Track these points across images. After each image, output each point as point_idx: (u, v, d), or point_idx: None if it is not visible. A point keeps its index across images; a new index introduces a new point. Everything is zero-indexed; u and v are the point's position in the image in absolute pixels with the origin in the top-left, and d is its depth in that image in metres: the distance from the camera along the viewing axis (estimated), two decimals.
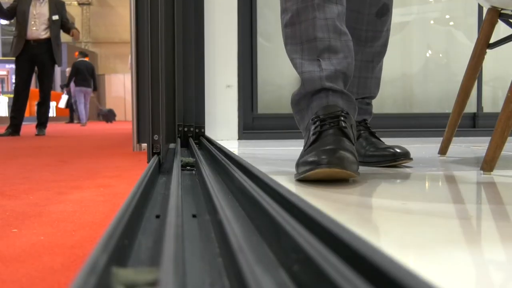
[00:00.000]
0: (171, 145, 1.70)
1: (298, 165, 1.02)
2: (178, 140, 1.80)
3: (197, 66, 2.54)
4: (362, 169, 1.33)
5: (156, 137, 1.25)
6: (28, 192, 1.29)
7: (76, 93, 9.77)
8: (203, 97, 2.65)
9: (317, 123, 1.08)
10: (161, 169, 1.19)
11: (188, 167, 1.25)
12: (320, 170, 0.93)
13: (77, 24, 18.88)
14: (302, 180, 1.00)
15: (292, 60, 1.20)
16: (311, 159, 0.95)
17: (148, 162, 1.11)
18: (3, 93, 13.53)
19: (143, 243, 0.48)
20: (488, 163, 1.20)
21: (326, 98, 1.13)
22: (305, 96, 1.18)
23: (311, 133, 1.07)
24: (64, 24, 4.88)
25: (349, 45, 1.16)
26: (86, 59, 9.59)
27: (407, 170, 1.25)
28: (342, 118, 1.06)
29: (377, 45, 1.41)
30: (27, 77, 4.74)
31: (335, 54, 1.14)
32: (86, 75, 9.42)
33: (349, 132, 1.05)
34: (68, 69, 10.37)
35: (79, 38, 5.06)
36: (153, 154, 1.25)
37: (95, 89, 9.82)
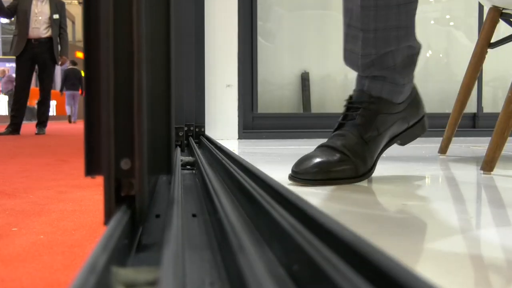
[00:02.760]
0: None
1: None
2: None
3: (197, 66, 2.53)
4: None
5: (126, 163, 0.45)
6: (27, 191, 1.29)
7: (66, 96, 11.62)
8: (203, 96, 2.65)
9: (344, 110, 1.09)
10: (140, 245, 0.48)
11: (188, 166, 1.24)
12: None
13: (77, 23, 18.82)
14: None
15: None
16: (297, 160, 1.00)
17: (105, 224, 0.44)
18: (3, 92, 13.53)
19: (143, 243, 0.48)
20: (488, 163, 1.20)
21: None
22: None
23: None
24: (61, 26, 4.86)
25: None
26: (75, 67, 11.30)
27: (407, 169, 1.25)
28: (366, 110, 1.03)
29: None
30: (27, 76, 4.74)
31: None
32: (74, 80, 11.25)
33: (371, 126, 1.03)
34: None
35: (65, 64, 5.08)
36: (120, 201, 0.46)
37: (83, 92, 10.43)
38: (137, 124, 0.44)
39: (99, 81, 0.43)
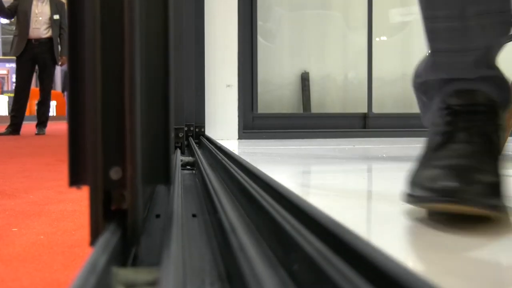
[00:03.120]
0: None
1: (413, 183, 0.68)
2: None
3: (197, 66, 2.53)
4: (358, 167, 1.33)
5: (116, 172, 0.39)
6: (28, 191, 1.29)
7: (66, 96, 11.52)
8: (203, 96, 2.65)
9: (447, 117, 0.73)
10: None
11: (188, 167, 1.24)
12: (442, 206, 0.62)
13: None
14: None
15: None
16: (430, 183, 0.62)
17: (91, 244, 0.38)
18: (3, 92, 13.54)
19: (143, 243, 0.48)
20: None
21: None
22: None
23: (438, 131, 0.74)
24: (61, 26, 4.85)
25: None
26: None
27: (407, 169, 1.25)
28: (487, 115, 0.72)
29: None
30: (27, 77, 4.75)
31: None
32: None
33: (494, 138, 0.70)
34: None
35: (65, 64, 5.04)
36: (109, 216, 0.40)
37: None
38: (129, 127, 0.38)
39: (84, 76, 0.37)
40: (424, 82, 0.83)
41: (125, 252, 0.39)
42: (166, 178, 0.43)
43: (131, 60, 0.37)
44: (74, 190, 1.22)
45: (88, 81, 0.37)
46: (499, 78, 0.79)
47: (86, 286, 0.26)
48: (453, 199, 0.58)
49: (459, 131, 0.69)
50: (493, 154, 0.67)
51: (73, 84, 0.38)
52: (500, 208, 0.61)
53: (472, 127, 0.69)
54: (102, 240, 0.35)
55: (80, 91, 0.38)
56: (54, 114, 12.69)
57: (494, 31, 0.77)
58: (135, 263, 0.41)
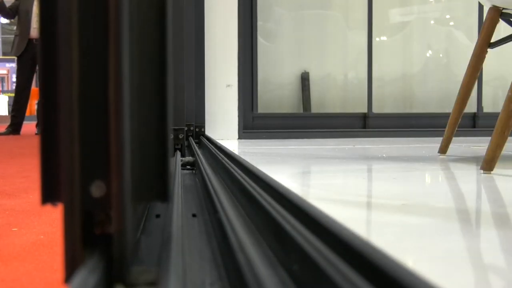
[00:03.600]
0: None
1: None
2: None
3: (197, 66, 2.53)
4: (358, 167, 1.33)
5: (98, 187, 0.29)
6: (28, 191, 1.29)
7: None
8: (203, 96, 2.65)
9: None
10: None
11: (188, 166, 1.24)
12: None
13: None
14: None
15: None
16: None
17: (65, 281, 0.29)
18: (3, 92, 13.54)
19: (143, 243, 0.48)
20: (488, 163, 1.20)
21: None
22: None
23: None
24: None
25: None
26: None
27: (407, 169, 1.25)
28: None
29: None
30: (28, 76, 4.75)
31: None
32: None
33: None
34: None
35: None
36: (90, 244, 0.30)
37: None
38: (115, 131, 0.30)
39: (58, 65, 0.30)
40: None
41: None
42: (163, 193, 0.35)
43: (117, 46, 0.29)
44: None
45: (62, 73, 0.29)
46: None
47: (86, 285, 0.26)
48: None
49: None
50: None
51: (44, 74, 0.30)
52: None
53: None
54: (79, 277, 0.26)
55: (53, 85, 0.30)
56: None
57: None
58: None
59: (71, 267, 0.29)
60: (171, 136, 0.38)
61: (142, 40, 0.34)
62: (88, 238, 0.30)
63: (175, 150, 1.39)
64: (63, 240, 0.29)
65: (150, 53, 0.35)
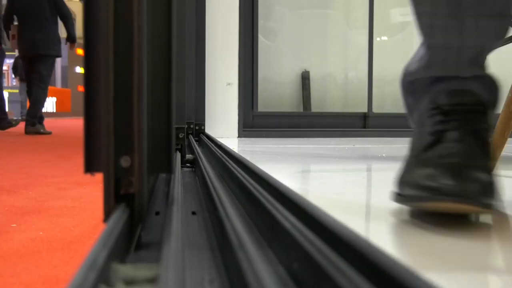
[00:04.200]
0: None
1: (403, 182, 0.69)
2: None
3: (197, 64, 2.53)
4: (358, 166, 1.33)
5: (125, 160, 0.45)
6: (27, 188, 1.29)
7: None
8: (204, 94, 2.65)
9: (438, 117, 0.73)
10: (139, 243, 0.47)
11: (188, 164, 1.24)
12: (440, 204, 0.61)
13: (78, 20, 18.82)
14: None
15: None
16: (425, 182, 0.62)
17: (104, 221, 0.43)
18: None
19: (143, 240, 0.48)
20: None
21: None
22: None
23: (428, 131, 0.73)
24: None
25: None
26: None
27: None
28: (478, 114, 0.72)
29: None
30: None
31: None
32: None
33: (485, 137, 0.71)
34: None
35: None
36: (119, 199, 0.45)
37: None
38: (137, 121, 0.43)
39: (99, 78, 0.42)
40: (414, 81, 0.84)
41: (132, 230, 0.45)
42: (168, 168, 0.50)
43: (140, 65, 0.43)
44: (73, 186, 1.23)
45: (102, 84, 0.42)
46: (490, 78, 0.80)
47: (86, 282, 0.26)
48: (451, 198, 0.58)
49: (451, 130, 0.69)
50: (486, 153, 0.68)
51: (88, 85, 0.43)
52: (495, 206, 0.62)
53: (463, 126, 0.69)
54: (113, 218, 0.40)
55: (95, 91, 0.43)
56: (54, 111, 12.65)
57: (492, 33, 0.78)
58: (139, 242, 0.46)
59: (107, 213, 0.43)
60: (174, 129, 0.52)
61: (154, 61, 0.48)
62: (117, 195, 0.44)
63: (175, 150, 1.35)
64: (103, 196, 0.43)
65: (160, 71, 0.49)
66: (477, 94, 0.74)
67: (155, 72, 0.48)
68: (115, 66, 0.42)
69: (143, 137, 0.44)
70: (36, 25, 4.29)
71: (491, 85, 0.79)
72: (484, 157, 0.66)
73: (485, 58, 0.80)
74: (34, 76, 4.39)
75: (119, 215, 0.41)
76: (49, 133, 4.43)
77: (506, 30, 0.79)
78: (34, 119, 4.36)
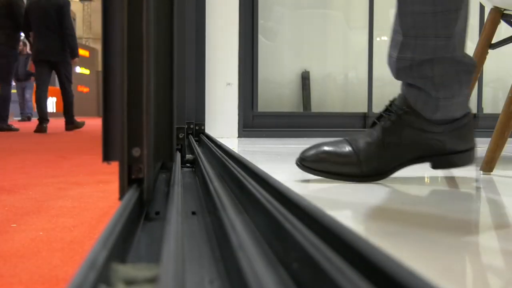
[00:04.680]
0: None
1: None
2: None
3: (197, 64, 2.53)
4: None
5: (136, 151, 0.59)
6: (27, 187, 1.29)
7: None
8: (204, 94, 2.65)
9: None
10: (148, 217, 0.58)
11: (188, 164, 1.24)
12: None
13: (78, 20, 18.89)
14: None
15: None
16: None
17: (120, 199, 0.53)
18: None
19: (143, 240, 0.48)
20: (488, 164, 1.20)
21: None
22: None
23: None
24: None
25: None
26: None
27: (406, 169, 1.25)
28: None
29: None
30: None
31: None
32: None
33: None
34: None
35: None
36: (131, 182, 0.57)
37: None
38: (146, 120, 0.54)
39: (115, 84, 0.51)
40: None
41: (141, 205, 0.56)
42: (170, 157, 0.64)
43: (148, 74, 0.52)
44: (73, 186, 1.23)
45: (118, 90, 0.52)
46: (427, 89, 1.01)
47: (86, 282, 0.26)
48: None
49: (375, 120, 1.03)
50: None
51: (106, 88, 0.52)
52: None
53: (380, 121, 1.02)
54: (127, 196, 0.50)
55: (111, 93, 0.52)
56: (54, 111, 12.65)
57: (426, 49, 0.98)
58: (147, 216, 0.58)
59: (122, 193, 0.54)
60: (175, 127, 0.64)
61: (158, 67, 0.59)
62: (130, 179, 0.55)
63: (175, 150, 1.33)
64: (118, 179, 0.54)
65: (163, 76, 0.60)
66: (407, 100, 1.03)
67: (159, 76, 0.58)
68: (128, 77, 0.52)
69: (150, 132, 0.54)
70: (46, 34, 4.64)
71: (422, 96, 1.03)
72: (379, 149, 1.01)
73: (423, 70, 1.00)
74: (62, 80, 4.81)
75: (131, 194, 0.51)
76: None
77: (438, 48, 0.97)
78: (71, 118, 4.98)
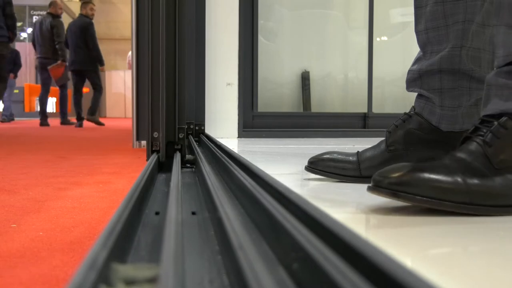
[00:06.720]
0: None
1: None
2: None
3: (197, 64, 2.53)
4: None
5: (155, 134, 1.24)
6: (27, 188, 1.29)
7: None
8: (203, 94, 2.65)
9: None
10: (160, 168, 1.19)
11: (188, 164, 1.24)
12: None
13: None
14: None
15: None
16: None
17: (147, 160, 1.10)
18: None
19: (143, 240, 0.48)
20: None
21: None
22: None
23: None
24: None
25: None
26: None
27: None
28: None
29: None
30: None
31: None
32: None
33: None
34: None
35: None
36: (153, 152, 1.24)
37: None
38: (161, 115, 1.18)
39: (144, 95, 0.79)
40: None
41: (159, 164, 1.16)
42: (174, 138, 1.28)
43: (163, 88, 1.02)
44: (73, 186, 1.24)
45: (146, 91, 1.14)
46: (436, 101, 1.03)
47: (86, 282, 0.26)
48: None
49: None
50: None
51: (137, 95, 0.97)
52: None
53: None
54: (150, 159, 1.07)
55: (141, 96, 0.95)
56: (54, 111, 12.62)
57: (433, 61, 1.02)
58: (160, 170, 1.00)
59: (148, 157, 1.21)
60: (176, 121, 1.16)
61: (168, 72, 1.21)
62: (152, 150, 1.25)
63: (175, 150, 1.35)
64: (146, 150, 1.29)
65: (170, 79, 1.24)
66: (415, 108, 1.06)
67: (168, 84, 0.84)
68: (151, 88, 0.73)
69: (163, 122, 1.12)
70: (75, 50, 5.95)
71: (429, 105, 1.04)
72: (382, 153, 1.03)
73: (432, 82, 1.04)
74: (91, 84, 6.15)
75: (153, 158, 1.08)
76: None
77: (443, 58, 1.00)
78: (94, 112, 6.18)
